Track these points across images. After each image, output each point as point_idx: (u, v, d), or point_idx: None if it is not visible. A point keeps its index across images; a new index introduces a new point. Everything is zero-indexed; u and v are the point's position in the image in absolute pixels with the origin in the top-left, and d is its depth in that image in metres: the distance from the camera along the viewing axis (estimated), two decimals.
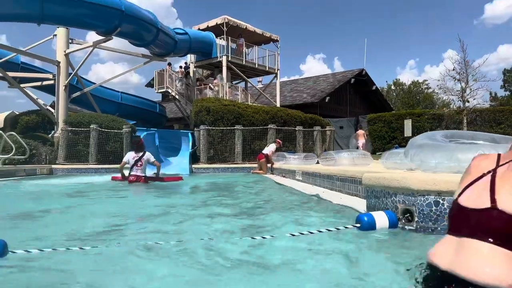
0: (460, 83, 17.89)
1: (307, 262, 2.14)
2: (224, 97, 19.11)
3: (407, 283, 1.71)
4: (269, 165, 12.55)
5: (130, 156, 8.57)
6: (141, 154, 8.52)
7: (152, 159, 8.66)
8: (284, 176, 10.58)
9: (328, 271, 1.99)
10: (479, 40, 67.39)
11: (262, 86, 27.10)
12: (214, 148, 15.57)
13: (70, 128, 14.63)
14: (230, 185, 8.94)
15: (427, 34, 77.93)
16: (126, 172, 8.66)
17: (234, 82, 23.08)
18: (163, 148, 15.91)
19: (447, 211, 2.51)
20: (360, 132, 20.81)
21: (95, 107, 18.10)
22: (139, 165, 8.42)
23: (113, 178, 8.96)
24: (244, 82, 24.07)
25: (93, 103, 18.16)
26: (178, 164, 14.44)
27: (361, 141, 19.86)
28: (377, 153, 19.51)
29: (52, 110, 17.53)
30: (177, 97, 21.78)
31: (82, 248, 2.20)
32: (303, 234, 2.50)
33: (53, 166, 13.57)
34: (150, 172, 9.05)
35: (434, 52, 78.16)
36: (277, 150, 13.10)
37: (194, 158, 15.18)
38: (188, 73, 22.15)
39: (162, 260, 2.19)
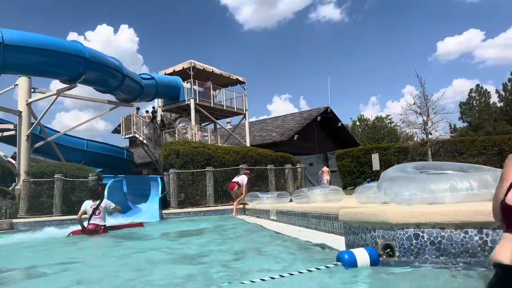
0: (422, 116, 18.65)
1: None
2: (194, 139, 18.99)
3: None
4: (240, 206, 12.37)
5: (88, 205, 8.12)
6: (98, 202, 8.13)
7: (112, 205, 8.27)
8: (258, 217, 10.40)
9: None
10: (435, 75, 71.38)
11: (231, 127, 27.25)
12: (184, 191, 15.23)
13: (32, 179, 13.98)
14: (200, 231, 8.60)
15: (386, 71, 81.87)
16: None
17: (203, 124, 23.09)
18: (131, 195, 15.41)
19: (428, 243, 2.48)
20: (325, 169, 21.43)
21: (60, 156, 17.50)
22: (97, 213, 8.02)
23: (73, 233, 8.22)
24: (213, 124, 24.14)
25: (57, 152, 17.57)
26: (148, 210, 13.96)
27: (326, 177, 20.55)
28: (347, 188, 19.73)
29: (13, 162, 16.79)
30: (145, 141, 21.47)
31: None
32: (283, 276, 2.38)
33: (14, 220, 12.79)
34: (112, 220, 8.65)
35: (394, 88, 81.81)
36: (247, 183, 13.15)
37: (164, 203, 14.75)
38: (155, 117, 22.02)
39: None
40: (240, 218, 11.50)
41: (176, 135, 20.22)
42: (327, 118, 30.21)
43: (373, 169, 21.76)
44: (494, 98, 42.80)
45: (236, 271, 3.26)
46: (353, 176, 22.97)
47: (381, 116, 48.30)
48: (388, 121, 46.39)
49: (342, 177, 23.37)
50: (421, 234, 2.48)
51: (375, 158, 21.82)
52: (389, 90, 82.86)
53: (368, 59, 78.99)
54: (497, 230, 2.30)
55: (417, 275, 2.34)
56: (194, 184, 15.23)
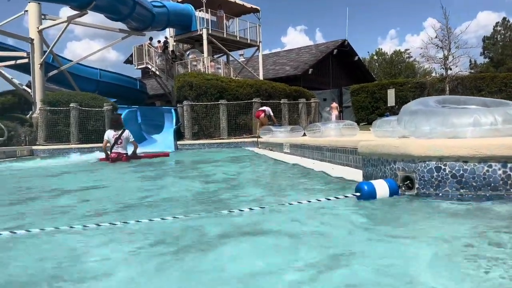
0: (443, 51, 17.96)
1: (306, 230, 2.06)
2: (206, 72, 18.72)
3: (417, 253, 1.66)
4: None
5: (110, 135, 8.45)
6: (120, 131, 8.45)
7: (131, 138, 8.59)
8: (271, 150, 10.52)
9: (327, 238, 1.92)
10: (458, 8, 67.42)
11: (244, 59, 26.67)
12: (198, 124, 15.35)
13: (48, 108, 14.16)
14: (220, 160, 8.86)
15: (406, 3, 77.54)
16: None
17: (215, 56, 22.62)
18: (146, 126, 15.65)
19: (449, 176, 2.47)
20: (334, 105, 21.31)
21: (74, 86, 17.54)
22: (119, 143, 8.37)
23: (101, 160, 8.74)
24: (225, 56, 23.61)
25: (71, 81, 17.58)
26: (163, 141, 14.23)
27: (335, 113, 20.48)
28: (361, 124, 19.64)
29: (29, 90, 16.90)
30: (157, 73, 21.27)
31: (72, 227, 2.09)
32: (301, 203, 2.43)
33: (34, 147, 13.20)
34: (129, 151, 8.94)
35: (415, 21, 78.01)
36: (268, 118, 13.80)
37: (178, 134, 14.97)
38: (167, 47, 21.56)
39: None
40: (253, 150, 11.67)
41: (189, 67, 19.92)
42: (343, 52, 29.25)
43: (388, 105, 21.48)
44: None
45: (260, 197, 3.33)
46: (367, 111, 22.76)
47: (399, 50, 46.64)
48: (407, 55, 44.87)
49: (355, 113, 23.19)
50: (443, 167, 2.46)
51: (391, 94, 21.44)
52: (409, 23, 79.17)
53: None
54: None
55: (435, 207, 2.36)
56: (207, 116, 15.28)
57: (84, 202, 3.61)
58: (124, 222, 2.24)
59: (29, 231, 2.11)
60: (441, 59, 18.10)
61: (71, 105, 14.01)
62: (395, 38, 77.13)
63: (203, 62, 19.68)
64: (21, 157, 11.86)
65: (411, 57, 43.49)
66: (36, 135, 14.15)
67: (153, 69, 21.16)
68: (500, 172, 2.37)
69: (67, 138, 14.04)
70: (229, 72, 21.18)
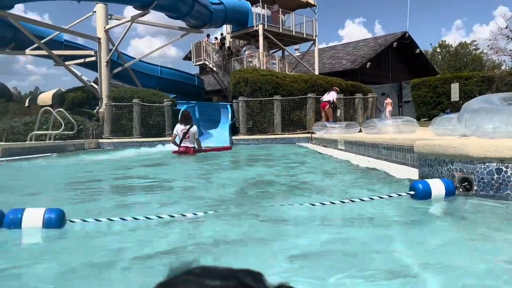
0: None
1: (357, 230, 2.07)
2: (262, 67, 18.88)
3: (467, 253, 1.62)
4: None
5: (178, 129, 8.99)
6: (188, 126, 8.91)
7: (197, 134, 9.10)
8: (325, 146, 10.43)
9: (379, 238, 1.92)
10: None
11: (299, 54, 26.52)
12: (253, 119, 15.55)
13: (113, 103, 15.06)
14: (282, 154, 9.06)
15: None
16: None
17: (270, 51, 22.71)
18: (203, 121, 16.12)
19: (511, 178, 2.35)
20: (388, 101, 20.50)
21: (136, 82, 18.48)
22: (187, 137, 8.86)
23: (174, 152, 9.18)
24: (281, 51, 23.63)
25: (134, 77, 18.54)
26: (219, 136, 14.60)
27: (389, 109, 19.73)
28: (421, 120, 18.81)
29: (96, 86, 18.08)
30: (214, 69, 21.79)
31: (136, 219, 2.25)
32: (353, 201, 2.44)
33: (100, 140, 14.12)
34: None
35: (483, 10, 72.95)
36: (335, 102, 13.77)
37: (233, 130, 15.28)
38: (224, 44, 22.00)
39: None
40: (306, 146, 11.64)
41: (244, 62, 20.20)
42: (404, 44, 28.08)
43: (452, 100, 20.36)
44: None
45: (315, 190, 3.38)
46: (429, 107, 21.72)
47: (465, 42, 43.84)
48: (473, 47, 42.06)
49: (416, 108, 22.23)
50: (504, 169, 2.35)
51: (455, 88, 20.28)
52: (477, 12, 74.13)
53: None
54: None
55: (495, 208, 2.27)
56: (262, 112, 15.44)
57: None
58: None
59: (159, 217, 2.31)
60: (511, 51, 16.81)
61: (134, 100, 14.79)
62: (461, 29, 72.71)
63: (259, 58, 19.85)
64: (88, 149, 12.74)
65: (478, 49, 40.74)
66: (102, 129, 15.11)
67: (210, 65, 21.71)
68: None
69: (130, 132, 14.85)
70: (284, 67, 21.19)
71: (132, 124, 14.86)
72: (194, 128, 8.98)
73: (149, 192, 3.90)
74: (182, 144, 8.87)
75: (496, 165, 2.38)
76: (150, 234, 2.18)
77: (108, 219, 2.22)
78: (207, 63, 21.77)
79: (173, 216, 2.28)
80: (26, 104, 27.76)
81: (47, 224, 2.10)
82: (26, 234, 2.13)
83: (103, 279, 1.59)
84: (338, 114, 14.59)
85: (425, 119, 19.18)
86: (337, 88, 14.36)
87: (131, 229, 2.23)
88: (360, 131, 10.84)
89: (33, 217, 2.11)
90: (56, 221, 2.11)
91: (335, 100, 13.98)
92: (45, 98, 22.75)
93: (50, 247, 2.05)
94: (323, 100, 14.12)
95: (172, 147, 9.42)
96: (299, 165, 6.73)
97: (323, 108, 14.03)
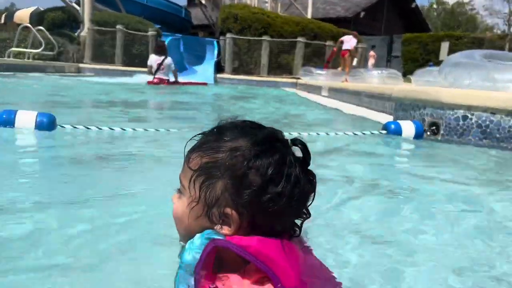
0: (509, 5, 16.49)
1: (331, 160, 2.19)
2: (253, 5, 18.23)
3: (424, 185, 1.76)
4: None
5: (152, 60, 8.88)
6: (163, 58, 8.79)
7: (173, 66, 8.94)
8: (308, 92, 10.47)
9: (348, 168, 2.05)
10: None
11: None
12: (239, 59, 15.28)
13: (96, 28, 14.47)
14: (258, 95, 9.06)
15: None
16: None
17: None
18: (187, 55, 15.72)
19: (474, 126, 2.48)
20: (371, 53, 20.28)
21: (120, 7, 17.63)
22: (161, 68, 8.79)
23: (149, 83, 9.13)
24: None
25: (118, 3, 17.66)
26: (203, 72, 14.35)
27: (370, 62, 19.55)
28: (407, 76, 18.89)
29: (78, 8, 17.18)
30: (203, 1, 20.91)
31: (123, 129, 2.36)
32: (328, 134, 2.55)
33: (81, 65, 13.73)
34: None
35: None
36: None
37: (218, 67, 15.02)
38: None
39: None
40: (290, 91, 11.65)
41: None
42: None
43: (439, 59, 20.37)
44: None
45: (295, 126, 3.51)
46: (416, 64, 21.65)
47: (462, 1, 43.03)
48: (470, 7, 41.42)
49: (404, 64, 22.19)
50: (469, 116, 2.47)
51: (444, 47, 20.20)
52: None
53: None
54: None
55: (457, 151, 2.43)
56: (249, 52, 15.15)
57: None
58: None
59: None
60: (506, 14, 16.67)
61: (117, 27, 14.23)
62: None
63: None
64: (68, 73, 12.41)
65: (474, 9, 40.19)
66: (83, 54, 14.63)
67: None
68: None
69: (112, 59, 14.44)
70: (276, 7, 20.52)
71: (115, 51, 14.40)
72: (169, 60, 8.92)
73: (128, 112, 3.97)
74: (156, 76, 8.78)
75: (463, 112, 2.49)
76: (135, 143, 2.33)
77: (97, 127, 2.33)
78: None
79: (146, 130, 2.45)
80: (2, 21, 26.31)
81: (39, 126, 2.24)
82: (19, 133, 2.29)
83: (87, 175, 1.69)
84: (355, 63, 13.28)
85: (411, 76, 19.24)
86: (356, 33, 13.18)
87: (117, 138, 2.37)
88: (346, 80, 10.87)
89: (25, 118, 2.25)
90: (47, 124, 2.23)
91: (353, 47, 12.60)
92: (22, 15, 21.54)
93: (41, 145, 2.22)
94: (344, 48, 12.81)
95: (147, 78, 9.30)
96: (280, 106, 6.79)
97: (343, 56, 12.79)
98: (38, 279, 0.91)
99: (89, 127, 2.37)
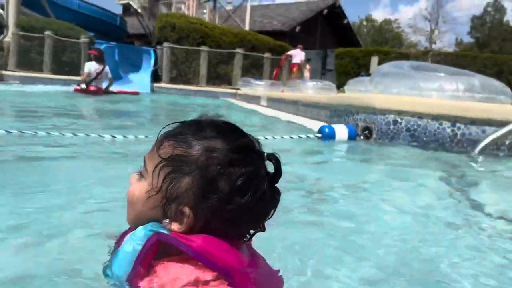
0: (430, 24, 17.97)
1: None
2: (191, 15, 18.13)
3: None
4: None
5: (92, 68, 8.63)
6: (102, 66, 8.67)
7: (110, 75, 8.99)
8: (248, 102, 10.55)
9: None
10: None
11: (231, 8, 25.85)
12: (177, 68, 15.05)
13: (22, 33, 13.53)
14: (192, 105, 8.93)
15: None
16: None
17: (201, 0, 21.81)
18: (123, 64, 15.20)
19: (404, 130, 2.61)
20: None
21: (49, 13, 16.68)
22: (99, 77, 8.61)
23: (75, 90, 8.82)
24: (213, 1, 22.79)
25: (47, 8, 16.69)
26: (139, 81, 13.93)
27: (306, 74, 20.50)
28: (340, 88, 19.76)
29: (1, 12, 15.97)
30: (139, 10, 20.41)
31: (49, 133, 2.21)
32: (267, 138, 2.54)
33: (4, 72, 12.72)
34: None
35: None
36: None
37: (155, 77, 14.68)
38: None
39: None
40: (230, 101, 11.66)
41: (173, 7, 19.20)
42: (333, 13, 28.76)
43: (370, 72, 21.57)
44: (509, 16, 40.97)
45: None
46: (349, 77, 22.53)
47: (389, 19, 46.26)
48: (396, 25, 44.59)
49: (337, 77, 23.18)
50: (399, 120, 2.59)
51: (374, 61, 21.41)
52: None
53: None
54: (468, 125, 2.42)
55: (387, 150, 2.55)
56: (187, 61, 14.98)
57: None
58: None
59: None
60: (427, 32, 18.13)
61: (46, 32, 13.42)
62: (388, 7, 76.18)
63: (189, 5, 18.99)
64: None
65: (400, 27, 43.32)
66: (6, 60, 13.58)
67: (135, 6, 20.28)
68: (449, 130, 2.52)
69: (40, 67, 13.56)
70: (214, 19, 20.58)
71: (43, 59, 13.54)
72: (107, 68, 8.87)
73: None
74: (94, 84, 8.58)
75: (393, 116, 2.61)
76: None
77: (20, 131, 2.16)
78: (132, 3, 20.28)
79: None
80: None
81: None
82: None
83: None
84: (307, 74, 14.49)
85: (343, 88, 20.14)
86: (301, 46, 14.29)
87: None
88: (283, 91, 11.10)
89: None
90: None
91: (302, 61, 13.89)
92: None
93: None
94: (294, 61, 14.11)
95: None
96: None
97: (292, 69, 14.06)
98: None
99: (10, 131, 2.20)
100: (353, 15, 74.15)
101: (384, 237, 1.30)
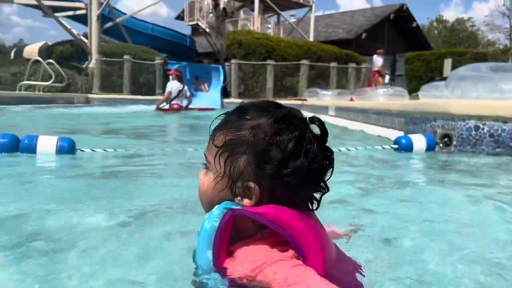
0: (510, 20, 16.66)
1: (342, 172, 2.20)
2: (256, 31, 18.59)
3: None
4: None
5: (174, 87, 9.41)
6: (182, 85, 9.52)
7: (188, 93, 9.64)
8: (315, 113, 10.52)
9: (362, 182, 2.05)
10: None
11: (295, 20, 26.05)
12: (244, 83, 15.48)
13: (104, 59, 14.81)
14: None
15: None
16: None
17: (266, 16, 22.28)
18: (194, 82, 16.00)
19: (487, 135, 2.48)
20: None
21: (127, 38, 18.09)
22: (181, 95, 9.45)
23: (161, 110, 9.53)
24: (276, 16, 23.18)
25: (125, 34, 18.13)
26: (209, 98, 14.53)
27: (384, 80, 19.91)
28: (412, 94, 18.94)
29: (85, 40, 17.65)
30: (207, 30, 21.36)
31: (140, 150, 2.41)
32: (340, 150, 2.56)
33: (89, 95, 13.98)
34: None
35: None
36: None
37: (224, 93, 15.22)
38: (218, 5, 21.47)
39: None
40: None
41: (239, 25, 19.84)
42: (401, 17, 27.79)
43: (444, 76, 20.45)
44: None
45: None
46: (421, 82, 21.67)
47: (462, 18, 43.53)
48: (470, 24, 41.84)
49: (408, 82, 22.29)
50: (481, 126, 2.48)
51: (448, 64, 20.30)
52: None
53: None
54: None
55: (473, 163, 2.42)
56: (254, 76, 15.36)
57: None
58: None
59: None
60: (507, 29, 16.83)
61: (125, 57, 14.56)
62: (459, 5, 71.97)
63: (253, 21, 19.51)
64: (77, 104, 12.62)
65: (475, 25, 40.58)
66: (91, 84, 14.92)
67: (203, 26, 21.27)
68: None
69: (120, 89, 14.71)
70: (278, 32, 20.89)
71: (123, 81, 14.69)
72: (186, 87, 9.69)
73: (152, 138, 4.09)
74: (175, 101, 9.35)
75: (475, 122, 2.50)
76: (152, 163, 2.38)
77: (114, 149, 2.39)
78: (200, 23, 21.31)
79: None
80: (12, 57, 26.99)
81: (60, 151, 2.31)
82: (41, 158, 2.35)
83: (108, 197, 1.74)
84: (387, 81, 14.23)
85: (416, 94, 19.28)
86: (381, 51, 14.00)
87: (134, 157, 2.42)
88: (352, 100, 10.93)
89: (46, 143, 2.32)
90: (68, 148, 2.27)
91: (379, 66, 13.62)
92: (31, 51, 22.07)
93: (63, 171, 2.25)
94: (373, 69, 13.98)
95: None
96: None
97: (374, 76, 13.90)
98: None
99: (107, 149, 2.44)
100: (422, 17, 71.04)
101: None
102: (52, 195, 1.73)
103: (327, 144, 0.83)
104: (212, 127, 0.87)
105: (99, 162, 2.49)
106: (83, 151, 2.44)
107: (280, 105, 0.86)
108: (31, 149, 2.33)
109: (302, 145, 0.78)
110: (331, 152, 0.83)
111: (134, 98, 13.78)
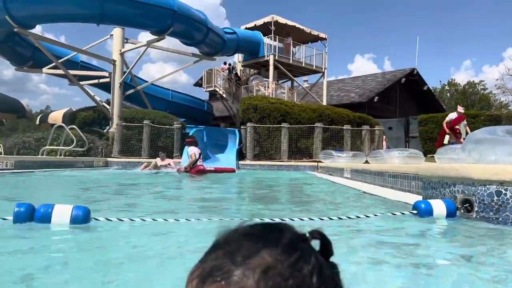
0: None
1: (358, 240, 2.16)
2: (271, 96, 19.21)
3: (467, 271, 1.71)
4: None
5: (196, 151, 10.27)
6: (200, 149, 10.56)
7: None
8: (330, 174, 10.51)
9: (379, 251, 2.01)
10: None
11: (308, 85, 26.94)
12: (260, 145, 15.71)
13: (124, 124, 15.34)
14: (285, 180, 9.17)
15: (484, 33, 73.88)
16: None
17: (280, 81, 23.14)
18: (210, 145, 16.33)
19: (510, 201, 2.44)
20: (383, 137, 20.63)
21: (147, 104, 18.85)
22: (201, 158, 10.43)
23: (189, 171, 10.11)
24: (290, 81, 24.05)
25: (145, 100, 18.93)
26: (226, 160, 14.73)
27: (384, 144, 19.87)
28: (427, 156, 18.83)
29: (107, 106, 18.45)
30: (224, 95, 22.18)
31: (155, 220, 2.38)
32: (359, 217, 2.53)
33: (108, 159, 14.30)
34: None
35: (494, 51, 73.97)
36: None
37: (240, 155, 15.43)
38: (233, 68, 22.49)
39: None
40: (311, 173, 11.72)
41: (254, 91, 20.59)
42: (412, 81, 28.48)
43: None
44: None
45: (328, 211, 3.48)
46: (435, 143, 21.78)
47: (473, 81, 44.33)
48: (481, 87, 42.49)
49: (423, 144, 22.29)
50: (503, 191, 2.44)
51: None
52: (487, 53, 75.24)
53: (466, 16, 71.60)
54: None
55: (495, 230, 2.35)
56: (269, 138, 15.61)
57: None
58: None
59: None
60: None
61: (145, 122, 15.07)
62: (470, 69, 73.62)
63: (267, 87, 20.23)
64: (97, 167, 12.90)
65: (486, 89, 41.16)
66: (111, 148, 15.33)
67: (220, 92, 22.12)
68: None
69: (138, 152, 15.05)
70: (292, 97, 21.52)
71: (141, 145, 15.07)
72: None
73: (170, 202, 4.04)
74: (199, 164, 10.20)
75: (496, 187, 2.47)
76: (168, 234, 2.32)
77: (129, 219, 2.36)
78: (217, 89, 22.20)
79: (189, 220, 2.42)
80: (37, 122, 28.20)
81: (74, 220, 2.25)
82: (55, 229, 2.29)
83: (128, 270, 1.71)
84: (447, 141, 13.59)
85: (431, 155, 19.17)
86: (461, 108, 13.89)
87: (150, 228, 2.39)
88: (367, 162, 10.93)
89: (61, 213, 2.27)
90: (82, 218, 2.25)
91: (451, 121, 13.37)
92: (56, 116, 23.14)
93: (78, 243, 2.20)
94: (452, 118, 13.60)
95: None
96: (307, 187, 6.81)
97: (444, 133, 13.73)
98: None
99: (122, 219, 2.40)
100: (432, 81, 72.59)
101: None
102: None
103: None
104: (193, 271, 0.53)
105: (114, 233, 2.39)
106: (98, 220, 2.37)
107: (274, 226, 0.59)
108: (47, 219, 2.26)
109: (324, 273, 0.56)
110: (336, 267, 0.59)
111: (152, 161, 14.01)
